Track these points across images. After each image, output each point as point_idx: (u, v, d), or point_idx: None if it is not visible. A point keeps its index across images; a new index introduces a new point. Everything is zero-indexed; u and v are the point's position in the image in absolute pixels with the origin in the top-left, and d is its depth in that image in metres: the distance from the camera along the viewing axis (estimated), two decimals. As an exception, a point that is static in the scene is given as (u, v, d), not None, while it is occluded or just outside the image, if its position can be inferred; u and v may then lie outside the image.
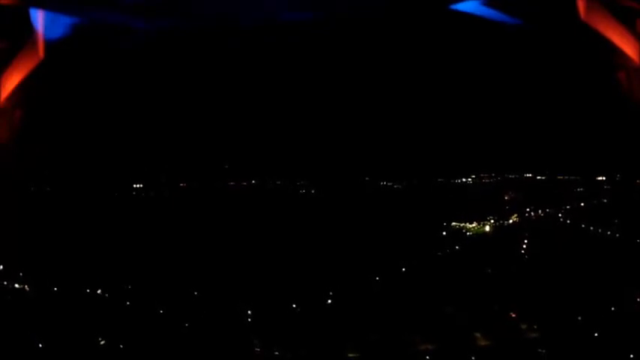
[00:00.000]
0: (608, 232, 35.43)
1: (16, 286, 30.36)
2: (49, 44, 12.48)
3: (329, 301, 29.50)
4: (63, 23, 12.61)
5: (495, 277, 32.15)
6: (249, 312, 28.50)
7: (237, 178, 38.01)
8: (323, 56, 30.52)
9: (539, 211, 38.92)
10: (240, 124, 35.34)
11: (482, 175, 39.63)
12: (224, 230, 35.31)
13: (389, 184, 39.67)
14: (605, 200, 38.23)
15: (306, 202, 38.22)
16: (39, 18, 12.35)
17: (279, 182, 38.49)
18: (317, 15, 13.89)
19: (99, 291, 30.05)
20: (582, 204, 38.72)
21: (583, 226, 37.17)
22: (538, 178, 39.45)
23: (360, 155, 37.22)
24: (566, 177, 39.37)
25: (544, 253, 34.44)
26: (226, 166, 36.60)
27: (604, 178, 38.28)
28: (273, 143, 35.97)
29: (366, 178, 39.21)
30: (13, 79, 12.33)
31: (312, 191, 38.79)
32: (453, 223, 37.27)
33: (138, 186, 36.59)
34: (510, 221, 38.06)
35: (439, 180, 39.72)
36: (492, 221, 37.81)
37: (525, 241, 35.73)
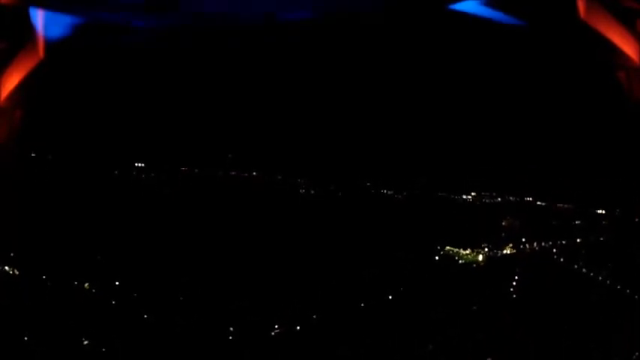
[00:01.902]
0: (600, 278, 34.78)
1: (6, 268, 30.05)
2: (49, 44, 12.50)
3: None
4: (63, 23, 12.63)
5: (480, 318, 31.35)
6: (231, 329, 28.08)
7: (238, 168, 37.76)
8: (323, 56, 30.52)
9: (534, 244, 38.33)
10: (241, 124, 35.29)
11: (482, 193, 39.19)
12: (217, 227, 35.04)
13: (389, 192, 39.30)
14: (602, 238, 37.66)
15: (303, 204, 37.96)
16: (39, 18, 12.36)
17: (279, 177, 38.31)
18: (317, 15, 13.90)
19: (86, 284, 29.89)
20: (579, 240, 38.11)
21: (576, 267, 36.55)
22: (538, 203, 38.95)
23: (361, 157, 37.02)
24: (566, 205, 38.90)
25: (533, 296, 33.62)
26: (229, 156, 36.41)
27: (603, 212, 37.81)
28: (274, 142, 35.88)
29: (368, 184, 38.93)
30: (13, 79, 12.35)
31: (312, 192, 38.57)
32: (447, 247, 36.79)
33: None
34: (504, 252, 37.52)
35: (440, 194, 39.28)
36: (486, 249, 37.29)
37: (516, 277, 35.09)
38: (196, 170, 37.13)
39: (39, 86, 12.75)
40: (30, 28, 12.31)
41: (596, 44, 11.38)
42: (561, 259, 37.07)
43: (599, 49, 11.44)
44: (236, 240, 33.71)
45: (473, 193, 38.69)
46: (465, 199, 38.67)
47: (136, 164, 36.89)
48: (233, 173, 37.31)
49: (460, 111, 34.87)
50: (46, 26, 12.45)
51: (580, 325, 29.26)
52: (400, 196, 38.66)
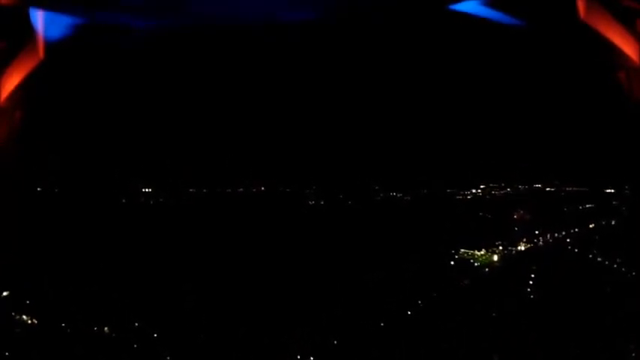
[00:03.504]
0: (616, 265, 34.06)
1: (24, 317, 29.21)
2: (49, 44, 12.50)
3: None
4: (63, 23, 12.63)
5: (499, 324, 30.27)
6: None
7: (245, 183, 37.04)
8: (324, 57, 30.51)
9: (548, 236, 37.61)
10: (243, 126, 35.11)
11: (491, 185, 38.63)
12: (229, 250, 34.13)
13: (398, 195, 38.62)
14: (613, 222, 37.00)
15: (313, 216, 37.08)
16: (39, 18, 12.36)
17: (288, 190, 37.63)
18: (317, 15, 13.90)
19: (106, 329, 28.89)
20: (591, 225, 37.35)
21: (591, 256, 35.85)
22: (547, 189, 38.44)
23: (367, 159, 36.60)
24: (574, 188, 38.39)
25: (552, 295, 32.65)
26: (235, 171, 35.78)
27: (612, 191, 37.29)
28: (277, 146, 35.51)
29: (376, 187, 38.35)
30: (13, 79, 12.35)
31: (322, 202, 37.89)
32: (462, 250, 35.97)
33: (147, 190, 35.90)
34: (519, 248, 36.80)
35: (448, 190, 38.62)
36: (501, 248, 36.52)
37: (533, 276, 34.17)
38: (204, 190, 36.36)
39: (39, 86, 12.74)
40: (30, 28, 12.30)
41: (596, 44, 11.38)
42: (576, 250, 36.58)
43: (599, 49, 11.44)
44: (251, 262, 32.78)
45: (482, 186, 38.27)
46: (474, 193, 38.23)
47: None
48: (240, 190, 36.60)
49: (461, 110, 34.83)
50: (45, 26, 12.45)
51: (601, 321, 28.65)
52: (409, 198, 38.02)
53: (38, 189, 33.36)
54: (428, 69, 32.25)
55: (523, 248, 36.62)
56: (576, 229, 37.56)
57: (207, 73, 32.18)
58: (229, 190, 36.88)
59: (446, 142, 36.02)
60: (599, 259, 35.32)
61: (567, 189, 38.51)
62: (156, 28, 13.91)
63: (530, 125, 34.31)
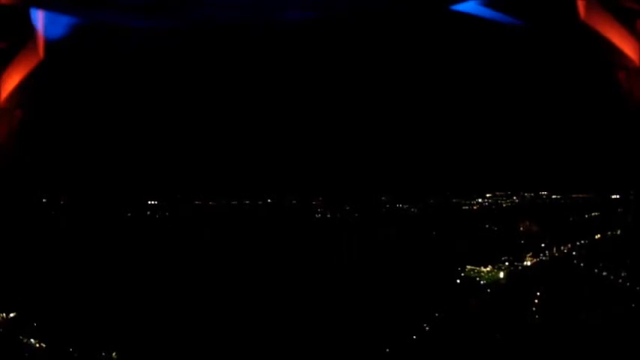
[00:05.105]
0: (621, 280, 33.55)
1: (32, 341, 28.63)
2: (49, 44, 12.51)
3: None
4: (63, 23, 12.64)
5: (505, 344, 29.62)
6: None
7: (253, 194, 36.43)
8: (324, 57, 30.49)
9: (554, 249, 37.11)
10: (246, 130, 34.91)
11: (497, 193, 38.17)
12: (232, 261, 33.61)
13: (405, 206, 38.08)
14: (619, 232, 36.48)
15: (318, 228, 36.45)
16: (39, 18, 12.37)
17: (294, 202, 37.11)
18: (318, 15, 13.91)
19: (114, 354, 28.40)
20: (597, 236, 36.79)
21: (596, 271, 35.33)
22: (553, 197, 37.99)
23: (372, 168, 36.22)
24: (580, 195, 37.99)
25: (556, 313, 31.97)
26: (240, 182, 35.34)
27: (618, 197, 36.86)
28: (282, 154, 35.18)
29: (383, 198, 37.91)
30: (13, 79, 12.36)
31: (328, 215, 37.36)
32: (468, 267, 35.34)
33: (152, 203, 35.39)
34: (525, 263, 36.29)
35: (454, 200, 38.07)
36: (507, 263, 35.93)
37: (538, 294, 33.52)
38: (211, 203, 35.68)
39: (39, 86, 12.76)
40: (30, 28, 12.31)
41: (596, 44, 11.38)
42: (582, 264, 36.02)
43: (599, 49, 11.44)
44: (256, 275, 32.19)
45: (488, 195, 37.87)
46: (481, 203, 37.76)
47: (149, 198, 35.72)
48: (247, 202, 35.94)
49: (463, 112, 34.79)
50: (46, 26, 12.46)
51: (609, 338, 28.11)
52: (416, 210, 37.35)
53: (43, 200, 32.89)
54: (428, 70, 32.23)
55: (529, 263, 36.08)
56: (582, 241, 37.06)
57: (208, 73, 32.16)
58: (235, 203, 36.38)
59: (449, 148, 35.81)
60: (604, 273, 34.92)
61: (573, 196, 38.07)
62: (156, 28, 13.93)
63: (529, 131, 34.25)
